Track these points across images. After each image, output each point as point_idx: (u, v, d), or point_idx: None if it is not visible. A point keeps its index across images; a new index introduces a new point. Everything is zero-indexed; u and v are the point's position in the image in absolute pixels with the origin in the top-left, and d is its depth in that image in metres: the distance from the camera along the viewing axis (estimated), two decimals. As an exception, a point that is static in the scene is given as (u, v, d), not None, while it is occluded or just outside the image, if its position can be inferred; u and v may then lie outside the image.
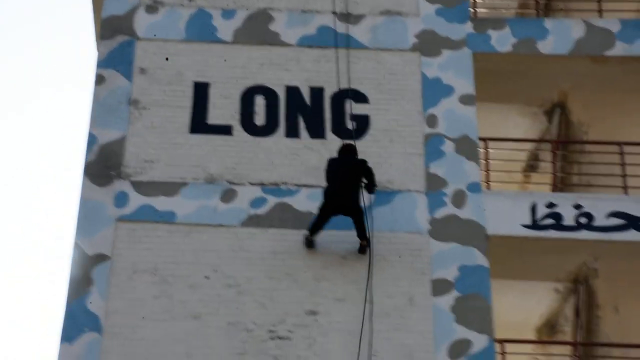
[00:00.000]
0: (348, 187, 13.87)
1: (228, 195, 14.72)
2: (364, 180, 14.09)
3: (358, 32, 16.20)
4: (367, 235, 13.98)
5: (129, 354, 13.47)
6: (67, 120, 36.21)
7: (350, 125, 15.44)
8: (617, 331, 15.85)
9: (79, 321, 13.62)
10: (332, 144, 15.24)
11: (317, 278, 14.03)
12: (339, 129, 15.40)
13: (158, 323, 13.70)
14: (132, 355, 13.47)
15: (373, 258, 14.02)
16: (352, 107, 15.56)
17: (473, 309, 13.99)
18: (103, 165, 14.85)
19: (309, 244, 14.15)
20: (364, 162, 14.21)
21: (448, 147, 15.34)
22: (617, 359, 15.11)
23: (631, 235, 14.84)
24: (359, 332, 13.68)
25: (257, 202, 14.69)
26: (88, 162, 14.88)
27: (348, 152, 14.36)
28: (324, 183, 14.79)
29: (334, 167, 14.11)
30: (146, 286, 13.97)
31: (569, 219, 14.87)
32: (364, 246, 14.06)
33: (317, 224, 13.98)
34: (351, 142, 14.61)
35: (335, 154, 14.59)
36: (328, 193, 13.92)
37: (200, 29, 16.12)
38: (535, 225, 14.82)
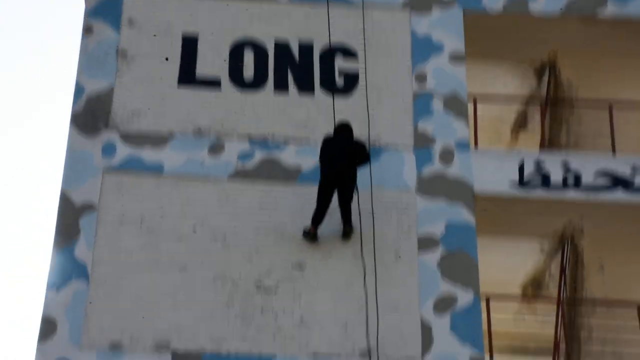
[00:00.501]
0: (345, 165, 13.72)
1: (216, 149, 14.69)
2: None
3: (349, -13, 16.12)
4: (352, 219, 13.85)
5: (115, 303, 13.49)
6: (55, 71, 36.02)
7: (339, 81, 15.39)
8: (601, 289, 15.94)
9: (65, 269, 13.63)
10: (320, 100, 15.23)
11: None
12: (328, 85, 15.36)
13: (144, 274, 13.72)
14: (118, 303, 13.49)
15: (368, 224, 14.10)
16: (341, 63, 15.50)
17: (459, 266, 14.05)
18: (91, 116, 14.80)
19: (312, 238, 13.90)
20: (363, 146, 14.02)
21: (437, 104, 15.33)
22: (601, 316, 15.18)
23: (618, 195, 14.89)
24: (345, 286, 13.71)
25: (244, 156, 14.67)
26: (75, 113, 14.83)
27: (344, 131, 14.09)
28: (311, 138, 14.80)
29: (330, 147, 13.87)
30: (133, 237, 13.98)
31: (556, 178, 14.90)
32: (348, 232, 13.89)
33: (319, 211, 13.76)
34: (347, 120, 14.36)
35: (320, 112, 14.60)
36: (325, 173, 13.72)
37: (190, -20, 16.01)
38: (522, 184, 14.85)
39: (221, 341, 13.29)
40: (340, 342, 13.36)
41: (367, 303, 13.58)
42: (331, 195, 13.71)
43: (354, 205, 13.85)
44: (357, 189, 13.79)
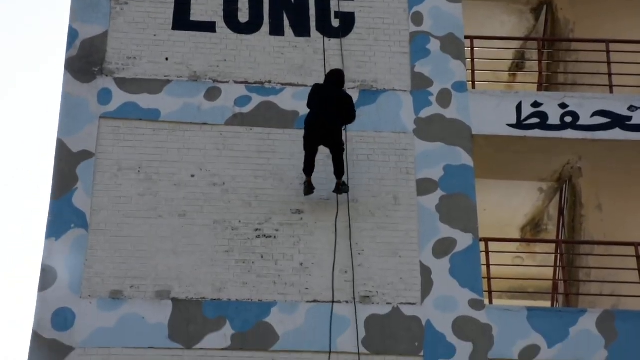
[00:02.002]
0: (331, 117, 13.38)
1: (212, 94, 14.62)
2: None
3: None
4: (345, 173, 13.67)
5: (115, 250, 13.51)
6: (48, 15, 35.74)
7: (335, 23, 15.27)
8: (600, 229, 15.98)
9: (64, 217, 13.61)
10: (317, 42, 15.14)
11: (302, 177, 14.00)
12: (324, 27, 15.26)
13: (144, 220, 13.72)
14: (118, 251, 13.51)
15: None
16: (338, 5, 15.38)
17: (458, 208, 14.05)
18: (85, 61, 14.71)
19: (308, 189, 13.69)
20: (349, 98, 13.67)
21: (434, 45, 15.24)
22: (600, 257, 15.25)
23: (615, 134, 14.86)
24: (344, 231, 13.73)
25: (241, 101, 14.60)
26: (69, 58, 14.73)
27: (335, 80, 13.78)
28: (308, 81, 14.73)
29: (318, 96, 13.59)
30: (131, 184, 13.96)
31: (554, 118, 14.86)
32: (340, 185, 13.66)
33: (307, 160, 13.56)
34: (340, 69, 14.23)
35: (316, 55, 14.53)
36: (309, 122, 13.44)
37: None
38: (520, 125, 14.81)
39: (221, 288, 13.33)
40: (340, 287, 13.40)
41: (351, 248, 13.60)
42: (316, 145, 13.49)
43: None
44: (345, 145, 13.57)
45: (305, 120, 13.47)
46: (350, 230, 13.73)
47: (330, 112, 13.37)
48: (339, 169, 13.53)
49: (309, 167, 13.59)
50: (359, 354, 13.00)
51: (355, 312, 13.22)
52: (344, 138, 13.73)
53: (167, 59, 14.77)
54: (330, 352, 12.94)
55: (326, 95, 13.54)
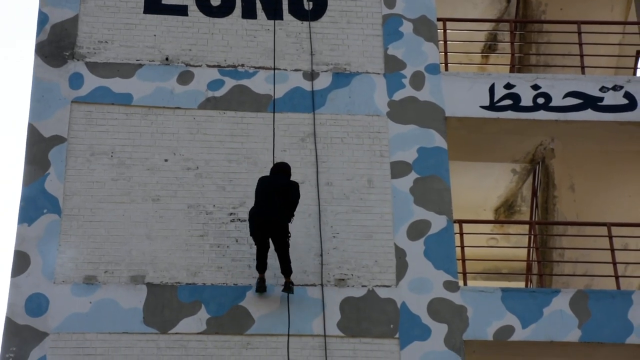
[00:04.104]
0: (274, 210, 12.68)
1: (185, 77, 14.56)
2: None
3: None
4: (291, 269, 12.97)
5: (88, 235, 13.46)
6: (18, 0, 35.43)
7: (307, 5, 15.24)
8: (572, 210, 16.10)
9: (37, 203, 13.55)
10: (289, 25, 15.11)
11: (276, 160, 13.99)
12: (297, 10, 15.23)
13: (117, 205, 13.68)
14: (91, 236, 13.46)
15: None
16: (310, -13, 15.38)
17: (432, 191, 14.08)
18: (56, 45, 14.61)
19: (261, 286, 12.96)
20: (294, 185, 13.04)
21: (406, 28, 15.23)
22: (573, 237, 15.33)
23: (587, 114, 14.92)
24: (318, 214, 13.73)
25: (214, 84, 14.55)
26: (40, 42, 14.63)
27: (280, 173, 13.14)
28: (281, 64, 14.72)
29: (262, 188, 12.91)
30: (104, 168, 13.90)
31: (526, 99, 14.91)
32: (288, 284, 12.95)
33: (258, 257, 12.86)
34: (285, 162, 13.51)
35: (289, 38, 14.44)
36: (252, 217, 12.74)
37: None
38: (493, 106, 14.84)
39: (196, 272, 13.31)
40: (315, 271, 13.41)
41: (320, 229, 13.60)
42: (266, 242, 12.79)
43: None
44: (289, 235, 12.82)
45: (249, 214, 12.85)
46: (320, 215, 13.73)
47: (274, 203, 12.72)
48: (285, 266, 12.89)
49: (260, 264, 12.89)
50: (324, 336, 13.01)
51: (322, 295, 13.23)
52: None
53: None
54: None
55: (271, 186, 12.90)
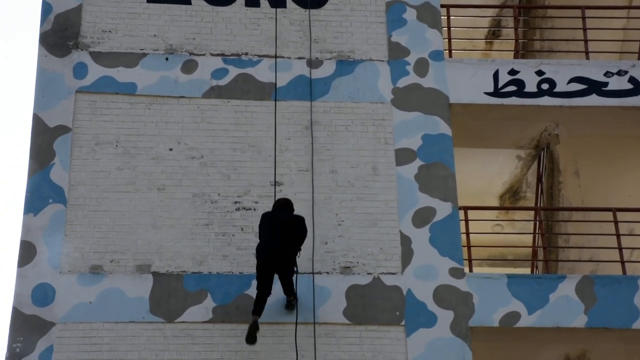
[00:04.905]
0: (282, 243, 12.44)
1: (189, 66, 14.55)
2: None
3: None
4: (295, 291, 12.82)
5: (94, 225, 13.49)
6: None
7: (310, -7, 15.26)
8: (577, 195, 16.07)
9: (42, 193, 13.57)
10: (292, 13, 15.10)
11: (281, 149, 14.01)
12: (300, -3, 15.23)
13: (122, 195, 13.70)
14: (97, 226, 13.48)
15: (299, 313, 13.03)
16: (313, -25, 15.34)
17: (436, 177, 14.07)
18: (60, 35, 14.61)
19: (252, 332, 12.28)
20: (300, 219, 12.83)
21: (410, 14, 15.21)
22: (578, 222, 15.33)
23: (592, 100, 14.91)
24: (323, 202, 13.74)
25: (218, 73, 14.55)
26: (44, 32, 14.64)
27: (283, 207, 12.90)
28: (285, 53, 14.70)
29: (267, 224, 12.68)
30: (109, 158, 13.91)
31: (531, 85, 14.89)
32: (291, 301, 12.91)
33: (259, 296, 12.46)
34: (287, 197, 13.29)
35: (293, 26, 14.41)
36: (259, 253, 12.45)
37: None
38: (497, 93, 14.83)
39: (202, 261, 13.33)
40: (320, 259, 13.42)
41: (313, 218, 13.59)
42: (271, 281, 12.49)
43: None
44: (296, 269, 12.67)
45: (256, 250, 12.56)
46: (313, 202, 13.74)
47: (280, 238, 12.47)
48: (288, 288, 12.74)
49: (258, 305, 12.47)
50: (314, 323, 12.99)
51: (313, 283, 13.22)
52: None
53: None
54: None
55: (275, 221, 12.67)
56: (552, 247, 15.56)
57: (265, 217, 12.82)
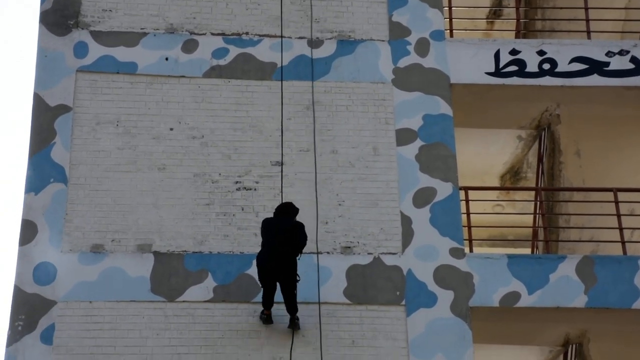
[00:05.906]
0: (282, 252, 12.33)
1: (189, 46, 14.53)
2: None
3: None
4: (297, 308, 12.72)
5: (95, 204, 13.50)
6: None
7: (312, -28, 15.20)
8: (578, 175, 16.07)
9: (44, 172, 13.59)
10: (293, -8, 15.06)
11: (285, 129, 14.00)
12: (301, -22, 15.17)
13: (123, 174, 13.71)
14: (98, 205, 13.50)
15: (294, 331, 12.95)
16: (314, -46, 15.29)
17: (437, 158, 14.07)
18: (60, 14, 14.59)
19: (267, 319, 12.77)
20: (300, 226, 12.63)
21: (411, -6, 15.17)
22: (579, 203, 15.33)
23: (593, 80, 14.89)
24: (324, 182, 13.74)
25: (218, 53, 14.53)
26: (44, 11, 14.62)
27: (284, 213, 12.72)
28: (285, 32, 14.66)
29: (268, 230, 12.54)
30: (110, 137, 13.92)
31: (532, 65, 14.87)
32: (294, 321, 12.78)
33: (265, 297, 12.61)
34: (289, 202, 13.04)
35: (294, 5, 14.43)
36: (260, 260, 12.40)
37: None
38: (498, 73, 14.81)
39: (203, 241, 13.35)
40: (321, 239, 13.43)
41: (317, 205, 13.59)
42: (273, 282, 12.50)
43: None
44: (299, 278, 12.51)
45: (256, 258, 12.51)
46: (316, 182, 13.74)
47: (281, 245, 12.38)
48: (291, 305, 12.64)
49: (267, 302, 12.66)
50: (319, 303, 13.02)
51: (318, 264, 13.23)
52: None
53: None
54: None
55: (276, 228, 12.55)
56: (552, 227, 15.58)
57: (267, 223, 12.68)
